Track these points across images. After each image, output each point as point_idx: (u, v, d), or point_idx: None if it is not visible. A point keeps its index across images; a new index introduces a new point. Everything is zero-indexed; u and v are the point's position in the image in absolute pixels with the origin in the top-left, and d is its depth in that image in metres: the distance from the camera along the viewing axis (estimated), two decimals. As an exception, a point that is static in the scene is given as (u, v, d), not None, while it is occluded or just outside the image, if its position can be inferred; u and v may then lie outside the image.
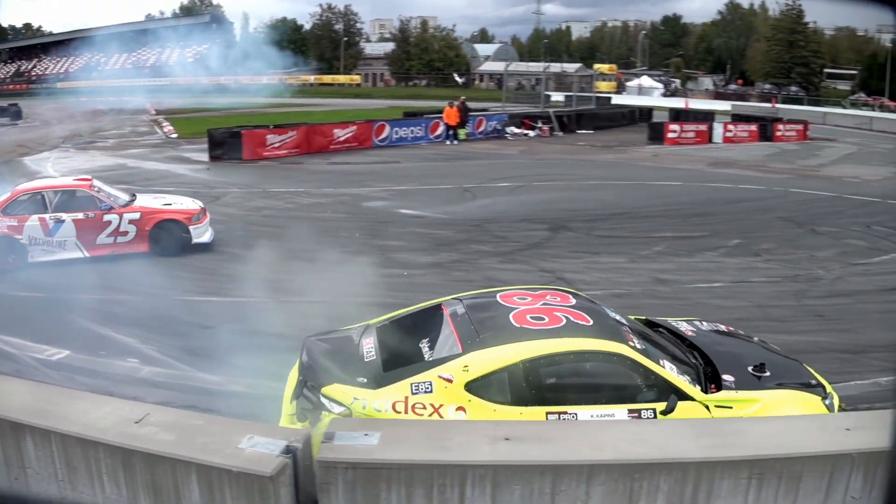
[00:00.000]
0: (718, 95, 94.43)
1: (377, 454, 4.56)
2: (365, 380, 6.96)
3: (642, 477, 4.69)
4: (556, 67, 77.22)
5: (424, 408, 6.67)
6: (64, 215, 15.60)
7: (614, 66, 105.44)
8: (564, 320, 7.17)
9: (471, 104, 39.98)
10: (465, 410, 6.63)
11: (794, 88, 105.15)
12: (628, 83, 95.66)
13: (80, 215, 15.73)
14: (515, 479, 4.54)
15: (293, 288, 13.10)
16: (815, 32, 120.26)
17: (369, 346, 7.52)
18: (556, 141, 39.57)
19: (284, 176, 26.56)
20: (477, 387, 6.69)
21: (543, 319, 7.19)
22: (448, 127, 36.60)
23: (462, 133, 36.96)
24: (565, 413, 6.59)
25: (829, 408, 7.15)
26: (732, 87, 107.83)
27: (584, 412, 6.61)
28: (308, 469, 4.57)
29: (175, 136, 37.68)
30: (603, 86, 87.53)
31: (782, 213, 21.99)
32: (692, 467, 4.78)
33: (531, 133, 40.87)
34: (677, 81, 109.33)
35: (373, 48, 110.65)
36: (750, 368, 7.29)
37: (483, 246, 17.14)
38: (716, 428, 5.35)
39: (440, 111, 37.93)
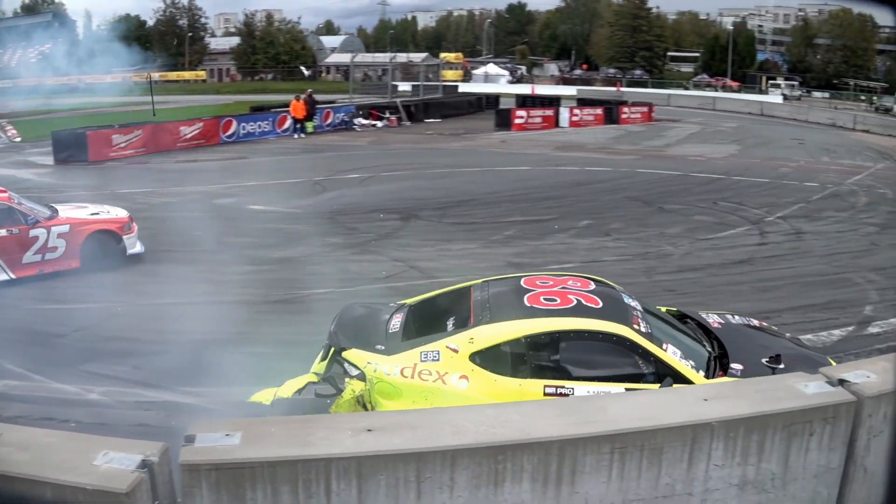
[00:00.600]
0: (564, 81, 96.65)
1: (239, 454, 4.55)
2: (383, 347, 7.58)
3: (506, 458, 4.81)
4: (402, 57, 77.33)
5: (430, 374, 7.23)
6: None
7: (460, 55, 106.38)
8: (575, 302, 7.60)
9: (318, 97, 39.48)
10: (467, 379, 7.18)
11: (638, 72, 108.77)
12: (475, 71, 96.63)
13: (3, 232, 13.73)
14: (380, 469, 4.63)
15: (149, 291, 13.04)
16: (657, 17, 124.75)
17: (397, 321, 8.13)
18: (404, 131, 39.49)
19: (132, 176, 25.42)
20: (480, 358, 7.22)
21: (555, 301, 7.62)
22: (295, 120, 36.14)
23: (310, 126, 36.46)
24: (562, 387, 7.07)
25: None
26: (578, 72, 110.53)
27: (581, 388, 7.05)
28: (167, 481, 4.50)
29: (19, 139, 35.75)
30: (450, 74, 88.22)
31: (630, 193, 22.40)
32: (555, 446, 4.92)
33: (379, 124, 40.70)
34: (523, 68, 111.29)
35: (218, 43, 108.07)
36: (765, 360, 7.45)
37: (335, 238, 16.82)
38: (578, 406, 5.48)
39: (287, 105, 37.38)
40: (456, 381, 7.19)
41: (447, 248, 15.67)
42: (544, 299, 7.67)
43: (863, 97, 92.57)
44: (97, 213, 15.14)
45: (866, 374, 6.24)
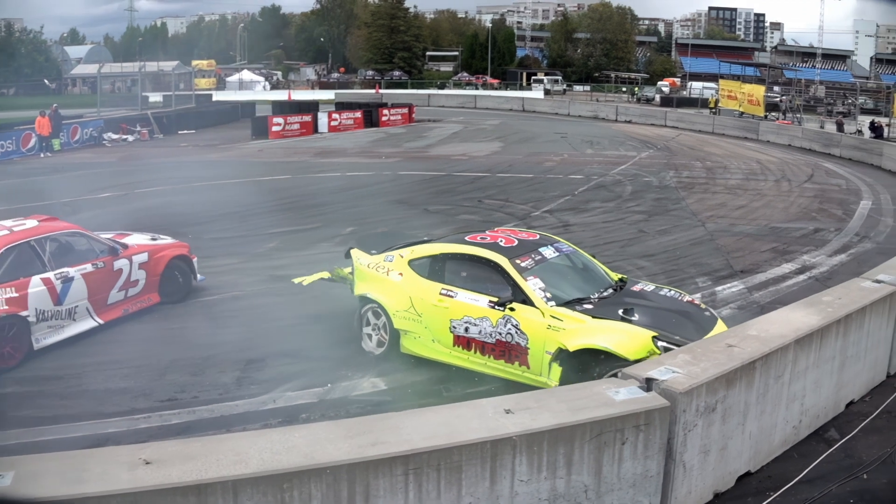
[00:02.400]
0: (322, 85, 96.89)
1: (8, 494, 4.38)
2: (374, 252, 11.38)
3: (292, 486, 4.72)
4: (152, 66, 75.01)
5: (383, 269, 10.96)
6: (70, 270, 11.66)
7: (213, 62, 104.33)
8: (493, 240, 10.53)
9: (64, 111, 37.64)
10: (401, 275, 10.71)
11: (397, 73, 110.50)
12: (229, 79, 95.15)
13: (88, 267, 11.94)
14: (159, 504, 4.48)
15: None
16: (415, 17, 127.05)
17: (399, 245, 11.53)
18: (157, 144, 38.51)
19: None
20: (412, 264, 10.73)
21: (486, 239, 10.62)
22: (41, 138, 34.28)
23: (56, 143, 34.76)
24: (450, 291, 10.16)
25: (659, 348, 8.55)
26: (335, 75, 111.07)
27: (463, 294, 10.05)
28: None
29: None
30: (203, 83, 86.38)
31: (394, 196, 23.07)
32: (344, 470, 4.84)
33: (130, 137, 39.48)
34: (279, 73, 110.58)
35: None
36: (620, 311, 9.16)
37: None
38: (369, 426, 5.36)
39: (33, 121, 35.38)
40: (396, 276, 10.77)
41: (208, 265, 15.60)
42: (480, 237, 10.73)
43: (624, 89, 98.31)
44: (155, 239, 13.73)
45: (671, 370, 6.48)
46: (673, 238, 18.62)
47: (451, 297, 10.10)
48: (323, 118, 45.14)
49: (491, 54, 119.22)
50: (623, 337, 8.79)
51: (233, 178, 26.75)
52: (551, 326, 9.27)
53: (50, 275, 11.29)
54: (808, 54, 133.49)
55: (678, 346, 8.23)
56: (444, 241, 11.05)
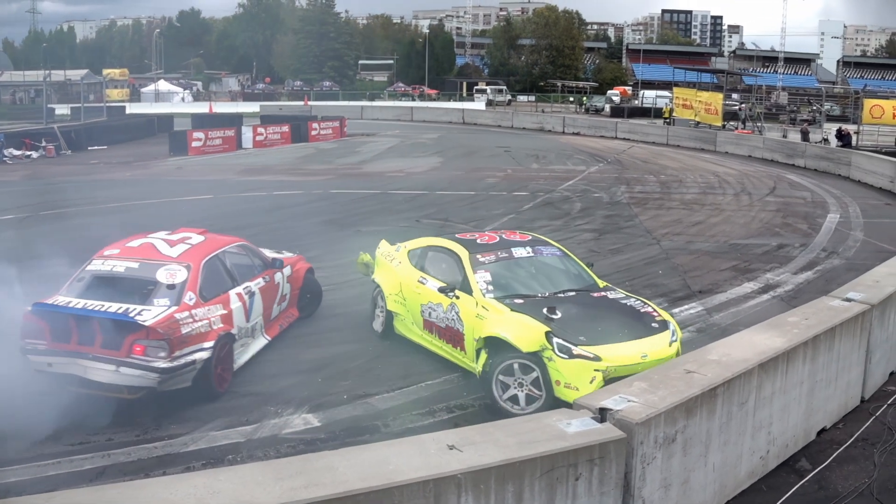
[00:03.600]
0: (246, 96, 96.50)
1: None
2: (398, 244, 13.37)
3: None
4: (58, 75, 74.09)
5: (391, 258, 13.03)
6: (251, 285, 11.90)
7: (126, 71, 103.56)
8: (477, 238, 12.53)
9: (-42, 125, 37.11)
10: (400, 263, 12.68)
11: (327, 83, 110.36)
12: (144, 89, 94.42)
13: (261, 281, 12.20)
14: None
15: None
16: (346, 22, 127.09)
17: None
18: (64, 161, 38.09)
19: None
20: (409, 254, 12.75)
21: (472, 237, 12.70)
22: (-66, 156, 33.69)
23: (-50, 162, 34.20)
24: (424, 279, 12.02)
25: (553, 344, 9.77)
26: (260, 86, 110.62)
27: (431, 281, 11.83)
28: None
29: None
30: (115, 93, 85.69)
31: (325, 216, 23.03)
32: None
33: (34, 154, 39.04)
34: (199, 84, 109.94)
35: None
36: (545, 309, 10.31)
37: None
38: (301, 467, 5.27)
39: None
40: (396, 264, 12.76)
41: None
42: (468, 235, 13.02)
43: (571, 98, 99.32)
44: (281, 252, 14.10)
45: (626, 399, 6.48)
46: (626, 257, 18.81)
47: (424, 283, 11.98)
48: (247, 133, 44.99)
49: (428, 63, 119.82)
50: (521, 330, 10.11)
51: (149, 198, 26.49)
52: (479, 315, 10.74)
53: (240, 289, 11.54)
54: (769, 58, 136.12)
55: (574, 345, 9.74)
56: (438, 236, 13.68)
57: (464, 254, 11.77)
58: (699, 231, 22.19)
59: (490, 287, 11.14)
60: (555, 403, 9.35)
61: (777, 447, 8.20)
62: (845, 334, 9.24)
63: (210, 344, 10.29)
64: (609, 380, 9.12)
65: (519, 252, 12.05)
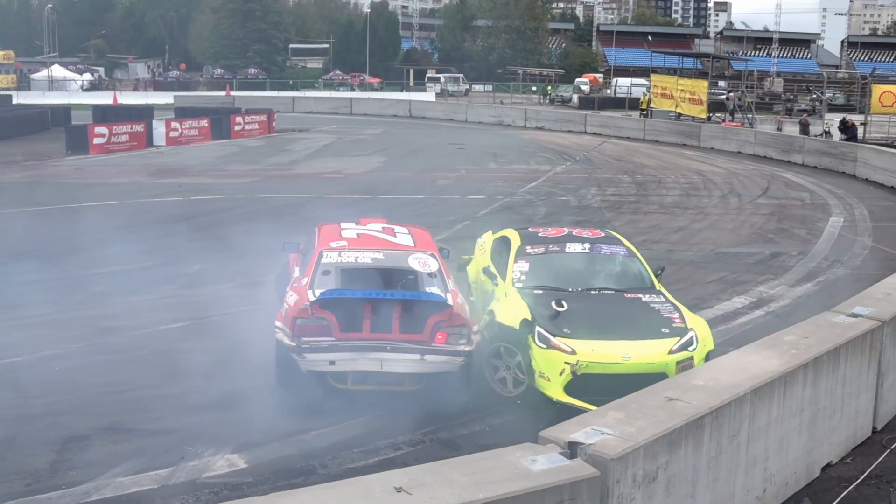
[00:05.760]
0: (157, 86, 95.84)
1: None
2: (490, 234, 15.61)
3: None
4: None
5: (482, 248, 15.16)
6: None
7: (11, 54, 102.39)
8: (540, 232, 14.77)
9: None
10: (484, 253, 14.78)
11: (253, 71, 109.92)
12: (34, 75, 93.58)
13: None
14: None
15: None
16: (275, 1, 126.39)
17: None
18: (-62, 160, 37.56)
19: None
20: (492, 243, 14.75)
21: (544, 230, 14.92)
22: None
23: None
24: (488, 266, 13.78)
25: (535, 333, 11.32)
26: (174, 73, 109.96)
27: (490, 269, 13.60)
28: None
29: None
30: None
31: (250, 224, 22.93)
32: None
33: None
34: (101, 70, 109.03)
35: None
36: (553, 302, 11.76)
37: None
38: None
39: None
40: (481, 254, 14.90)
41: (16, 317, 15.27)
42: (538, 228, 15.63)
43: (534, 88, 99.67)
44: None
45: (599, 431, 6.49)
46: (599, 269, 18.91)
47: (486, 272, 13.78)
48: (159, 128, 44.63)
49: (370, 47, 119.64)
50: (507, 312, 11.94)
51: (43, 204, 26.27)
52: (498, 300, 12.60)
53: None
54: (762, 40, 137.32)
55: (553, 336, 11.23)
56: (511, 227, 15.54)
57: (515, 244, 13.70)
58: (681, 238, 22.41)
59: (523, 277, 12.97)
60: (536, 394, 11.26)
61: (775, 485, 8.28)
62: (852, 355, 9.33)
63: (477, 328, 11.68)
64: (581, 375, 10.83)
65: (573, 247, 13.71)
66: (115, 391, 11.87)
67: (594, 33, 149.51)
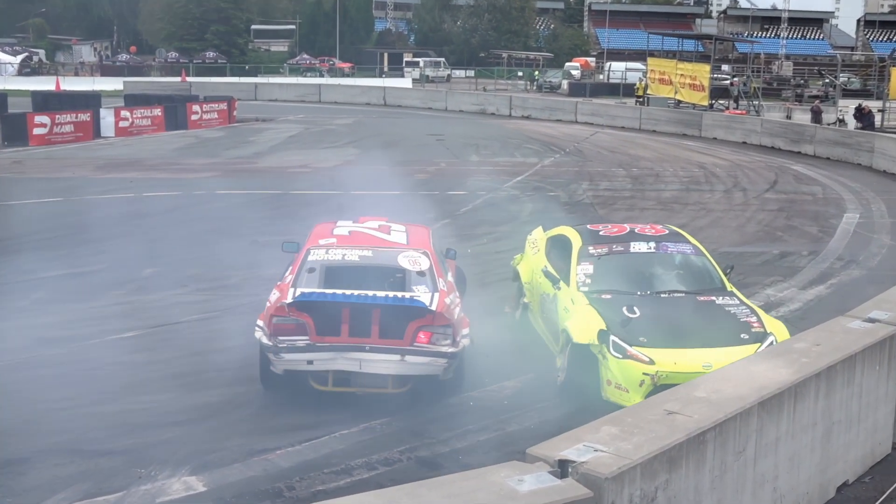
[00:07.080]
0: (105, 70, 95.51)
1: None
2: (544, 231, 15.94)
3: None
4: None
5: (535, 245, 15.55)
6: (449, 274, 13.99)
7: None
8: (600, 229, 14.79)
9: None
10: (538, 251, 15.11)
11: (211, 54, 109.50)
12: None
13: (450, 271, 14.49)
14: None
15: None
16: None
17: None
18: None
19: None
20: (547, 241, 15.13)
21: (604, 228, 14.96)
22: None
23: None
24: (546, 266, 14.05)
25: (606, 342, 11.53)
26: (124, 57, 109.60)
27: (548, 269, 13.82)
28: None
29: None
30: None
31: (209, 223, 22.93)
32: None
33: None
34: (41, 53, 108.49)
35: None
36: (624, 307, 12.21)
37: None
38: None
39: None
40: (535, 252, 15.18)
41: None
42: (601, 225, 15.35)
43: (520, 73, 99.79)
44: None
45: (592, 448, 6.45)
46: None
47: (544, 272, 13.92)
48: (108, 117, 44.47)
49: (340, 29, 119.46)
50: (580, 324, 12.05)
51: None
52: (566, 308, 12.74)
53: (451, 277, 13.73)
54: (769, 20, 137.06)
55: (630, 345, 11.46)
56: (568, 225, 15.84)
57: (577, 244, 13.94)
58: (682, 237, 22.39)
59: (588, 280, 13.23)
60: (603, 405, 10.90)
61: (786, 507, 8.26)
62: (869, 363, 9.32)
63: (467, 331, 11.92)
64: (661, 386, 10.63)
65: (638, 247, 13.98)
66: (59, 408, 11.75)
67: (585, 13, 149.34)
